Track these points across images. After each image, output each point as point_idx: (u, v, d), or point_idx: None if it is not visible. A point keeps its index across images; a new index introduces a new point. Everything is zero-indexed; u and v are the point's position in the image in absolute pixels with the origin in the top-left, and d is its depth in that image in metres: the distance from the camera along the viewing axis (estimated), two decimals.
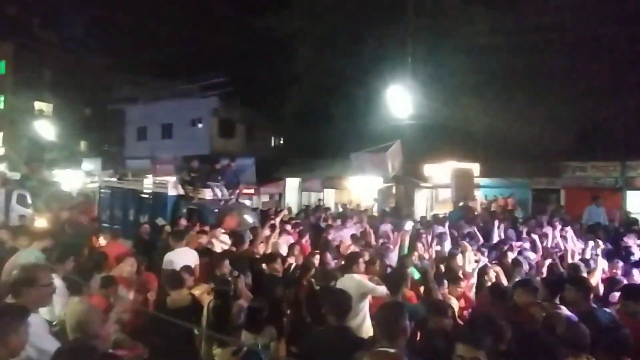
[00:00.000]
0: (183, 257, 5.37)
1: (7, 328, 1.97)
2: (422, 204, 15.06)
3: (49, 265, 3.77)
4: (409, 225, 7.47)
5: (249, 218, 9.21)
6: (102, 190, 11.37)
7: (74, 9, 23.69)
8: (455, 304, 4.27)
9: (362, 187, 15.22)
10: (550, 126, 13.65)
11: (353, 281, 4.21)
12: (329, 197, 17.82)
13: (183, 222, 7.45)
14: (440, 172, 14.83)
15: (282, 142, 26.59)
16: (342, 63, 17.99)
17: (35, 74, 26.17)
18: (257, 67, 21.45)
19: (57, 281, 3.43)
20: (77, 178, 22.26)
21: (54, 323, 3.44)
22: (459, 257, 5.55)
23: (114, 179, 12.20)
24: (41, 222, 9.91)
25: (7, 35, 24.39)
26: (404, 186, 15.37)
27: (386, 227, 8.30)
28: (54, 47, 26.43)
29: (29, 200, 13.41)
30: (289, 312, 4.35)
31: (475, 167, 14.39)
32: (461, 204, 11.20)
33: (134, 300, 4.69)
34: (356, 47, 17.60)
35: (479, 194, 14.32)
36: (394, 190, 15.42)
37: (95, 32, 26.04)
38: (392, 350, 2.21)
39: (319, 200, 17.12)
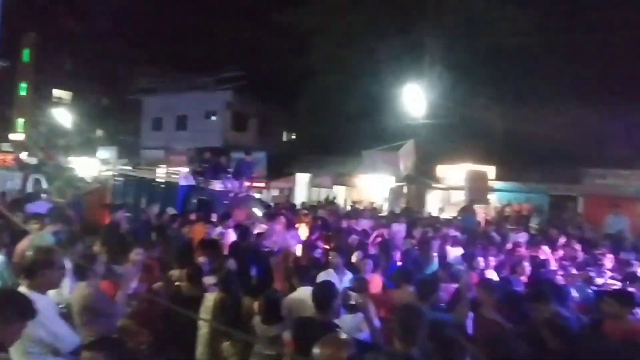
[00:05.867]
0: None
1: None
2: (434, 205, 14.86)
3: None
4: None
5: (258, 211, 9.19)
6: (116, 178, 11.45)
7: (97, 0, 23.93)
8: None
9: (373, 186, 15.08)
10: (570, 131, 13.29)
11: None
12: (339, 194, 17.71)
13: (193, 216, 7.42)
14: (454, 173, 14.61)
15: (294, 137, 26.53)
16: (358, 60, 17.87)
17: (56, 62, 26.78)
18: (272, 62, 21.41)
19: (67, 264, 3.42)
20: (92, 165, 22.57)
21: (62, 306, 3.44)
22: None
23: (128, 168, 12.28)
24: None
25: (32, 24, 24.82)
26: (415, 186, 15.20)
27: (400, 227, 8.19)
28: (76, 37, 26.84)
29: (44, 185, 13.58)
30: None
31: (490, 170, 14.13)
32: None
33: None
34: (373, 45, 17.45)
35: (493, 198, 14.07)
36: (405, 190, 15.25)
37: (116, 24, 26.30)
38: (343, 336, 2.28)
39: (328, 195, 16.97)
